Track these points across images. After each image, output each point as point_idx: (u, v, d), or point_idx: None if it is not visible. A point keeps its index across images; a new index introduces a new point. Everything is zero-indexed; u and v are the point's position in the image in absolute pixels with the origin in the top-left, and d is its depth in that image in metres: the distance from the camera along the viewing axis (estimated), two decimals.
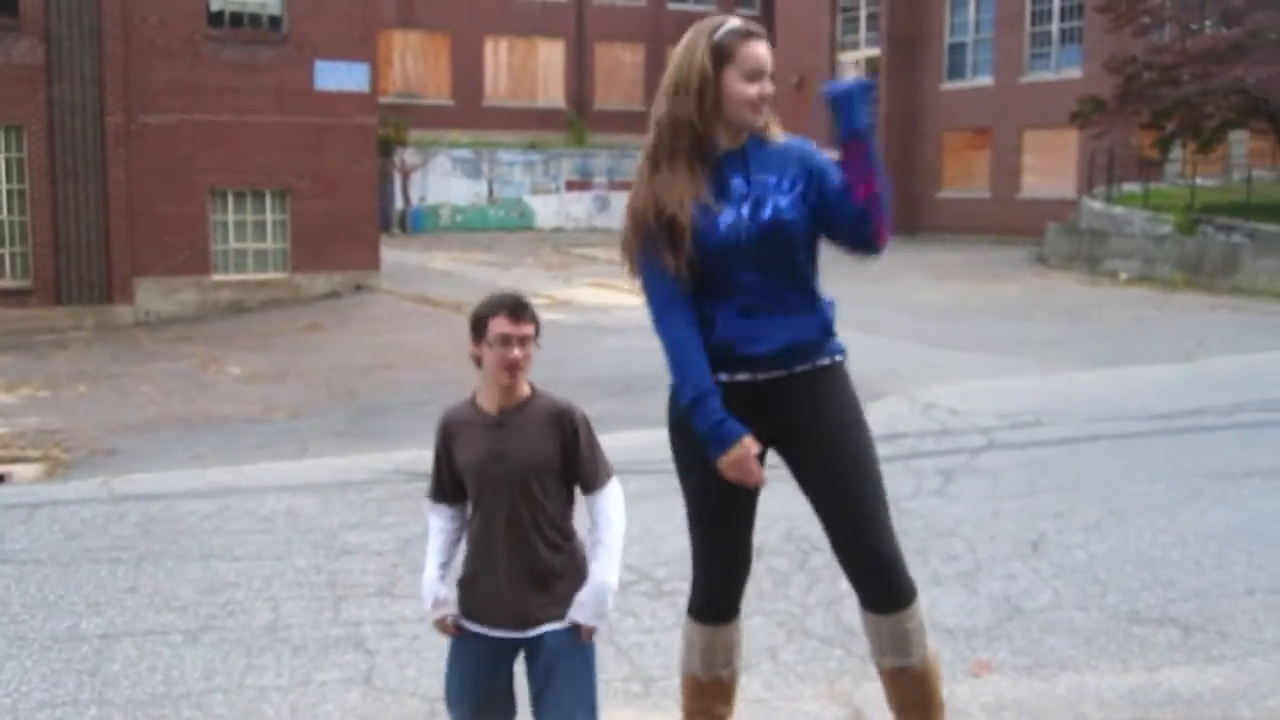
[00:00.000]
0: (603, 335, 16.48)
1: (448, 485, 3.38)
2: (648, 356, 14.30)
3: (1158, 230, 24.09)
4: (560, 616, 3.31)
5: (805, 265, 3.44)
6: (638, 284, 3.48)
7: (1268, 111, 24.58)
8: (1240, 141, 29.78)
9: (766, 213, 3.36)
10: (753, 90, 3.33)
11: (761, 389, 3.41)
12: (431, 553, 3.42)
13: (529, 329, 3.25)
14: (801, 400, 3.43)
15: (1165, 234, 23.70)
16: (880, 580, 3.45)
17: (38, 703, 4.61)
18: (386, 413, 12.69)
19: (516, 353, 3.21)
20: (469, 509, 3.38)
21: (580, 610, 3.32)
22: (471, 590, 3.36)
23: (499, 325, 3.22)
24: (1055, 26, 33.32)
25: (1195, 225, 23.43)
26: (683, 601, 5.61)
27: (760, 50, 3.34)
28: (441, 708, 4.54)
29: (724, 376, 3.38)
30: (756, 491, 3.48)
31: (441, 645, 5.12)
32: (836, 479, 3.44)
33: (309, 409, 13.10)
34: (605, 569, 3.32)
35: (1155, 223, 24.39)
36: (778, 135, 3.47)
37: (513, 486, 3.26)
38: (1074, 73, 32.03)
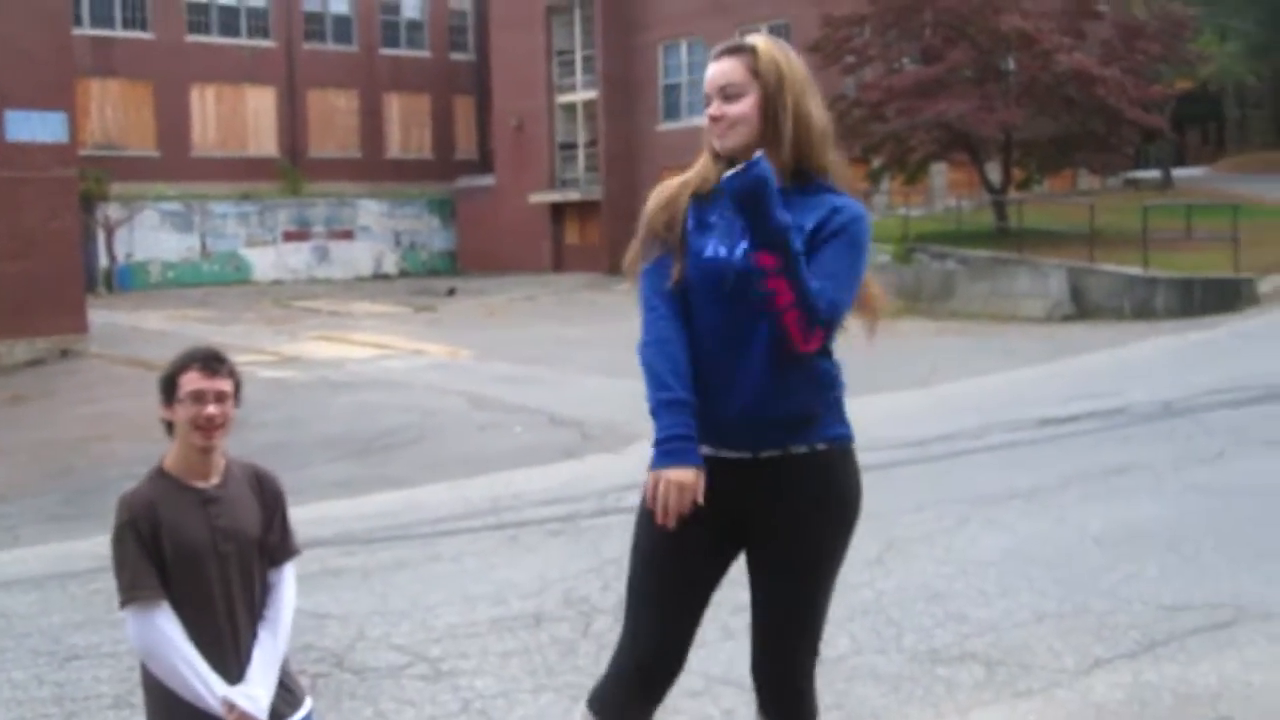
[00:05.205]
0: (335, 391, 15.72)
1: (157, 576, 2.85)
2: (387, 413, 13.81)
3: (876, 260, 24.93)
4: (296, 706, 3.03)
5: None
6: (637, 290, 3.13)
7: (968, 144, 25.88)
8: (940, 173, 31.31)
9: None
10: (707, 109, 3.04)
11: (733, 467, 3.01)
12: (195, 658, 2.83)
13: (226, 384, 2.90)
14: (785, 489, 3.02)
15: (884, 263, 24.54)
16: (786, 709, 3.17)
17: None
18: (106, 490, 11.64)
19: (212, 409, 2.85)
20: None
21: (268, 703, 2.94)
22: None
23: (191, 381, 2.87)
24: None
25: (911, 254, 24.37)
26: (465, 683, 5.19)
27: (710, 71, 3.03)
28: None
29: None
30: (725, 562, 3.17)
31: None
32: (792, 594, 3.13)
33: (17, 491, 11.91)
34: (279, 649, 2.99)
35: (873, 253, 25.24)
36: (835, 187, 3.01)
37: (242, 567, 2.91)
38: None
